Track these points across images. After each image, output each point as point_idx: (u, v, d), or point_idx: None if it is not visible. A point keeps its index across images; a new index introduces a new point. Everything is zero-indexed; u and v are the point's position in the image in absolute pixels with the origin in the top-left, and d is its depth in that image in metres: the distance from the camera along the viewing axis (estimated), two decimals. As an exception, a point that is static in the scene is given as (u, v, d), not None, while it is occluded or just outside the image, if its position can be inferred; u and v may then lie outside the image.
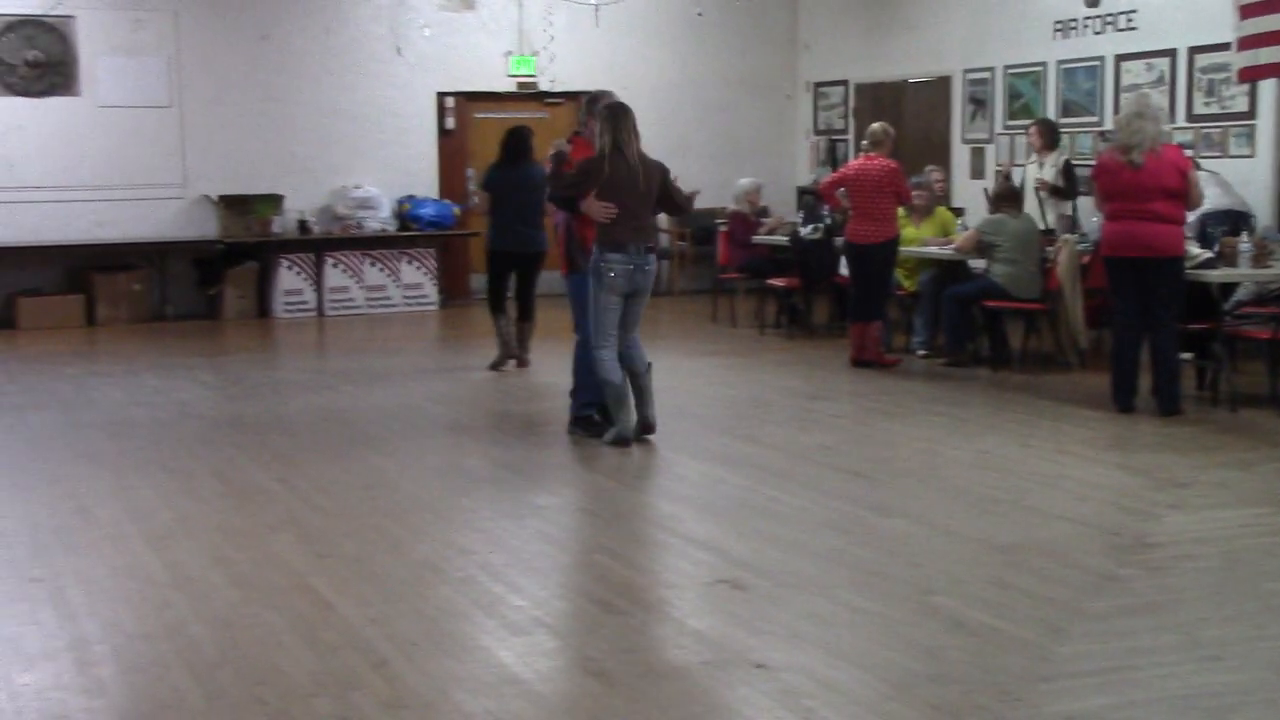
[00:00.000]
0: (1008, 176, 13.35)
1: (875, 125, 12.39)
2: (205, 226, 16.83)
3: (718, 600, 6.00)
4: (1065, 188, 13.22)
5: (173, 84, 16.69)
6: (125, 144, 16.54)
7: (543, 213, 11.87)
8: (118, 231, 16.56)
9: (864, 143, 12.38)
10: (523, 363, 12.51)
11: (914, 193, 13.04)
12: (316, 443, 9.53)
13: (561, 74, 18.08)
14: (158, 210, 16.72)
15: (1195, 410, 10.18)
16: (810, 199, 14.93)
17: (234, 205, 16.73)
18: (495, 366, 12.47)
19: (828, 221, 13.85)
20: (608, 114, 8.91)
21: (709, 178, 18.82)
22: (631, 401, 9.10)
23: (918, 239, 13.14)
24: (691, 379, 11.96)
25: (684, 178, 18.97)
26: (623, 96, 18.76)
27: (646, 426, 9.17)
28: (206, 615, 5.89)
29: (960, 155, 16.50)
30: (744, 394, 11.27)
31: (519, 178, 12.09)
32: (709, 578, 6.33)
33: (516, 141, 12.28)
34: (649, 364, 9.23)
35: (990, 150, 16.02)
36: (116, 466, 8.81)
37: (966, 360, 12.23)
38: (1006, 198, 12.17)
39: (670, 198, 9.12)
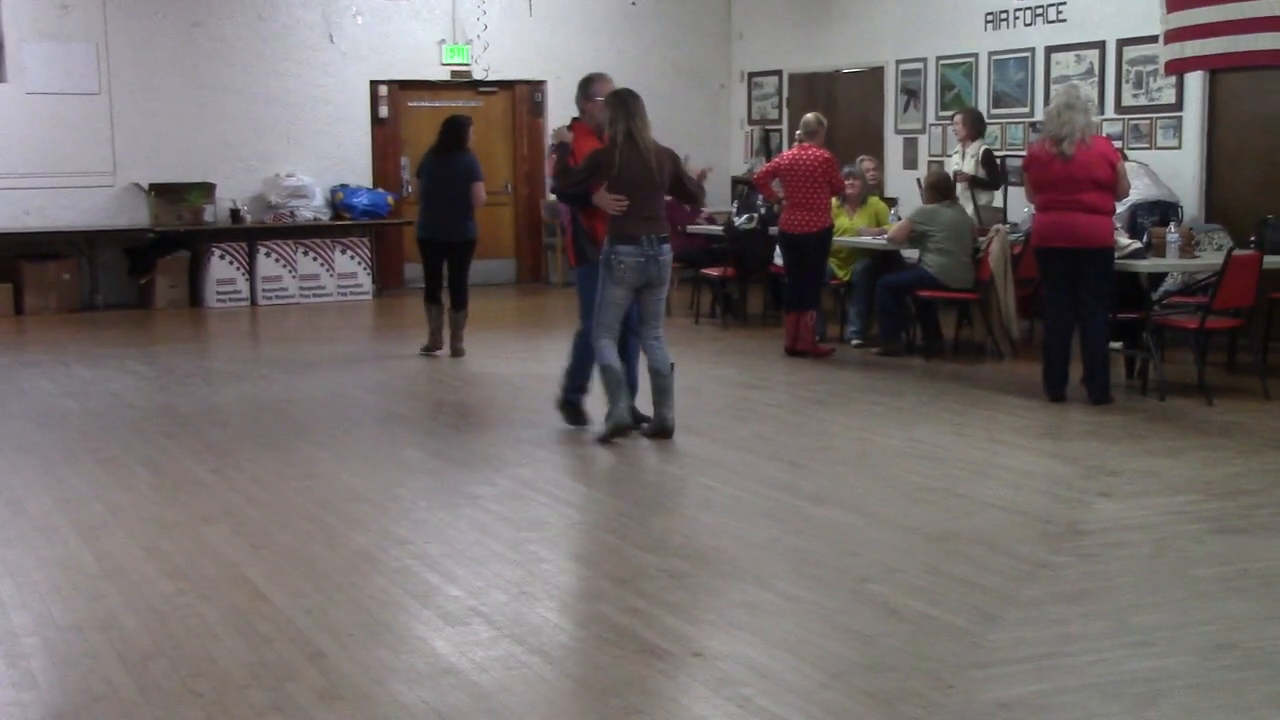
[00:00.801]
0: (941, 166, 13.45)
1: (809, 115, 12.43)
2: (136, 215, 16.67)
3: (654, 589, 6.01)
4: (986, 178, 13.30)
5: (101, 70, 16.51)
6: (53, 131, 16.35)
7: (471, 202, 12.13)
8: (46, 220, 16.39)
9: (798, 133, 12.42)
10: (457, 352, 12.51)
11: (847, 182, 13.10)
12: (250, 433, 9.47)
13: (495, 63, 18.03)
14: (87, 198, 16.55)
15: (1125, 399, 10.28)
16: (745, 189, 14.95)
17: (165, 193, 16.58)
18: (426, 352, 12.55)
19: (762, 211, 13.88)
20: (618, 101, 8.74)
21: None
22: (625, 389, 8.92)
23: (851, 229, 13.20)
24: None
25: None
26: (556, 87, 18.80)
27: (665, 429, 8.92)
28: (139, 607, 5.85)
29: (893, 145, 16.59)
30: (679, 384, 11.24)
31: (449, 167, 12.19)
32: (645, 566, 6.34)
33: (450, 131, 12.30)
34: (672, 364, 8.99)
35: (923, 140, 16.11)
36: (47, 457, 8.71)
37: (900, 350, 12.32)
38: (939, 188, 12.24)
39: (682, 185, 8.96)
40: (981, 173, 13.29)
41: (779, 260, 13.24)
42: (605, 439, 8.84)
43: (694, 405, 10.28)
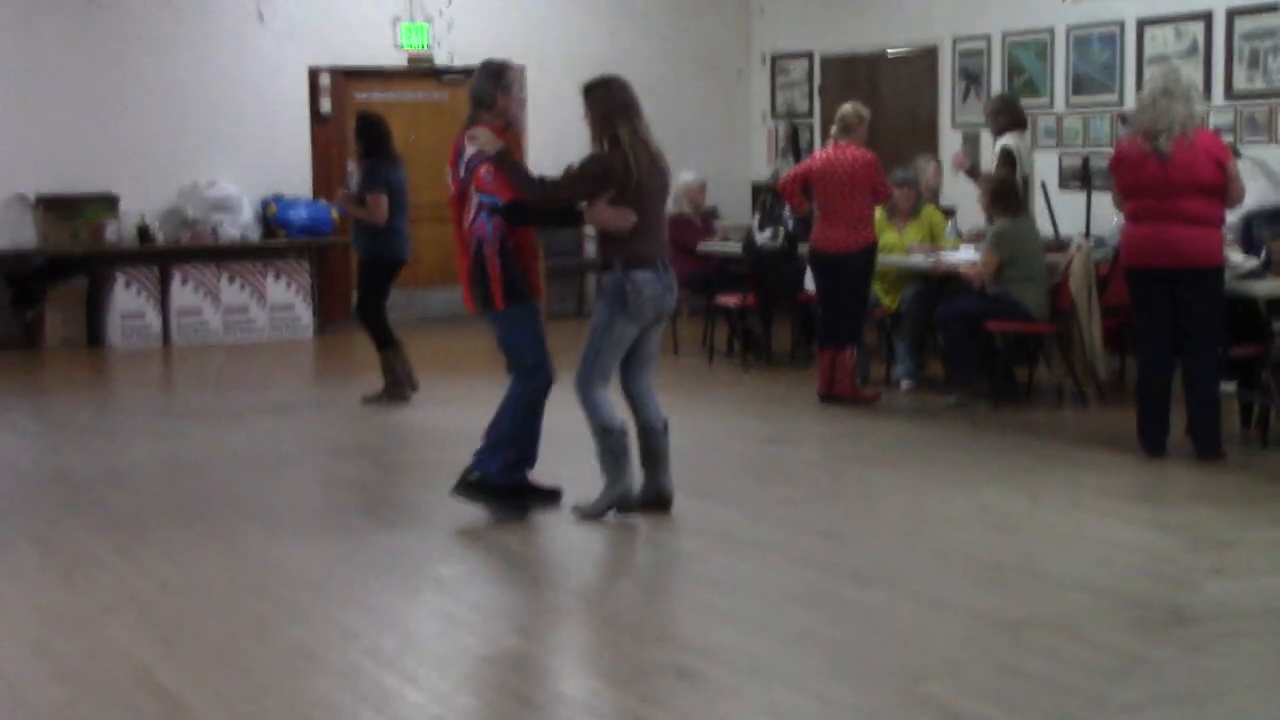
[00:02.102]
0: (1004, 167, 13.44)
1: (846, 107, 12.46)
2: (20, 234, 16.69)
3: (660, 692, 5.99)
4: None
5: (-20, 58, 16.60)
6: (-81, 132, 16.44)
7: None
8: (-89, 241, 16.45)
9: (833, 129, 12.45)
10: (405, 395, 12.65)
11: (895, 190, 13.12)
12: (163, 502, 9.46)
13: (462, 46, 18.08)
14: (-40, 214, 16.61)
15: (1240, 454, 10.27)
16: (768, 198, 14.97)
17: (56, 208, 16.61)
18: (394, 397, 12.68)
19: (789, 226, 13.90)
20: (615, 91, 8.66)
21: (644, 172, 18.85)
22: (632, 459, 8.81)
23: (900, 246, 13.21)
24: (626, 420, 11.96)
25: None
26: (538, 74, 18.88)
27: (664, 498, 8.81)
28: (23, 719, 5.83)
29: (950, 142, 16.61)
30: (690, 438, 11.26)
31: (401, 174, 12.60)
32: (649, 664, 6.33)
33: (386, 130, 12.70)
34: (665, 420, 8.88)
35: (986, 136, 16.11)
36: (-88, 534, 8.72)
37: (978, 396, 12.12)
38: (1006, 196, 12.22)
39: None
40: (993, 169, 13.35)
41: (810, 286, 13.26)
42: (595, 515, 8.70)
43: (708, 464, 10.26)
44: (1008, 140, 13.32)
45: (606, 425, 8.63)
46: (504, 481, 8.77)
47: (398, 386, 12.70)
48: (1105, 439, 10.76)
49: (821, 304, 12.50)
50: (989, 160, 13.79)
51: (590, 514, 8.68)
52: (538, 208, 8.66)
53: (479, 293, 8.64)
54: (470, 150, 8.59)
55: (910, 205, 13.49)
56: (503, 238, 8.60)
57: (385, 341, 12.71)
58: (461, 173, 8.62)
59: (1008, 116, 13.52)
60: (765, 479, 9.84)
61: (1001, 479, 9.66)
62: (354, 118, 13.31)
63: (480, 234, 8.57)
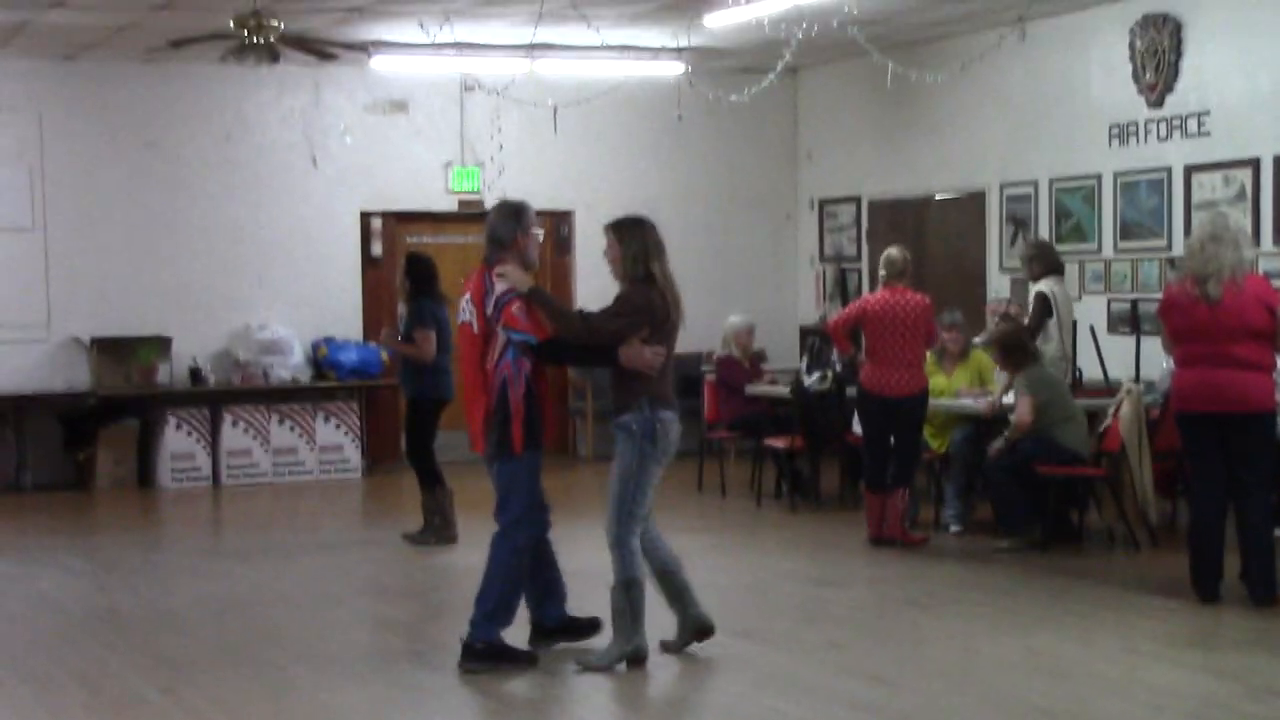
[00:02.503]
0: (1007, 317, 13.48)
1: (893, 251, 12.50)
2: (74, 375, 16.82)
3: (708, 838, 5.92)
4: (1030, 323, 13.35)
5: (35, 201, 16.77)
6: (-23, 274, 16.60)
7: None
8: (-34, 382, 16.57)
9: (882, 273, 12.49)
10: (453, 536, 12.65)
11: (946, 335, 13.14)
12: (210, 642, 9.44)
13: (513, 189, 18.17)
14: (15, 355, 16.72)
15: (1293, 598, 10.18)
16: (816, 340, 15.00)
17: (110, 350, 16.74)
18: (442, 539, 12.68)
19: (837, 369, 13.90)
20: (649, 229, 8.59)
21: (692, 314, 18.80)
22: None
23: (949, 389, 13.20)
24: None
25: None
26: (586, 218, 19.00)
27: (705, 626, 8.77)
28: None
29: (998, 286, 16.62)
30: (737, 579, 11.23)
31: (446, 313, 12.64)
32: (697, 809, 6.26)
33: (434, 269, 13.05)
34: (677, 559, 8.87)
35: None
36: (-41, 673, 8.71)
37: (1029, 541, 12.02)
38: (1016, 349, 12.23)
39: None
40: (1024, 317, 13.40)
41: (857, 428, 13.23)
42: (604, 668, 8.47)
43: (756, 607, 10.22)
44: (1044, 285, 13.39)
45: (634, 577, 8.48)
46: (493, 643, 8.58)
47: (447, 528, 12.69)
48: (1158, 584, 10.66)
49: (872, 446, 12.45)
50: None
51: (597, 666, 8.50)
52: (578, 344, 8.56)
53: (497, 436, 8.48)
54: (501, 287, 8.43)
55: (959, 349, 13.50)
56: (529, 380, 8.48)
57: (433, 481, 12.72)
58: (489, 310, 8.45)
59: (1042, 263, 13.61)
60: (813, 621, 9.78)
61: (1052, 623, 9.58)
62: (405, 258, 13.44)
63: (505, 374, 8.44)
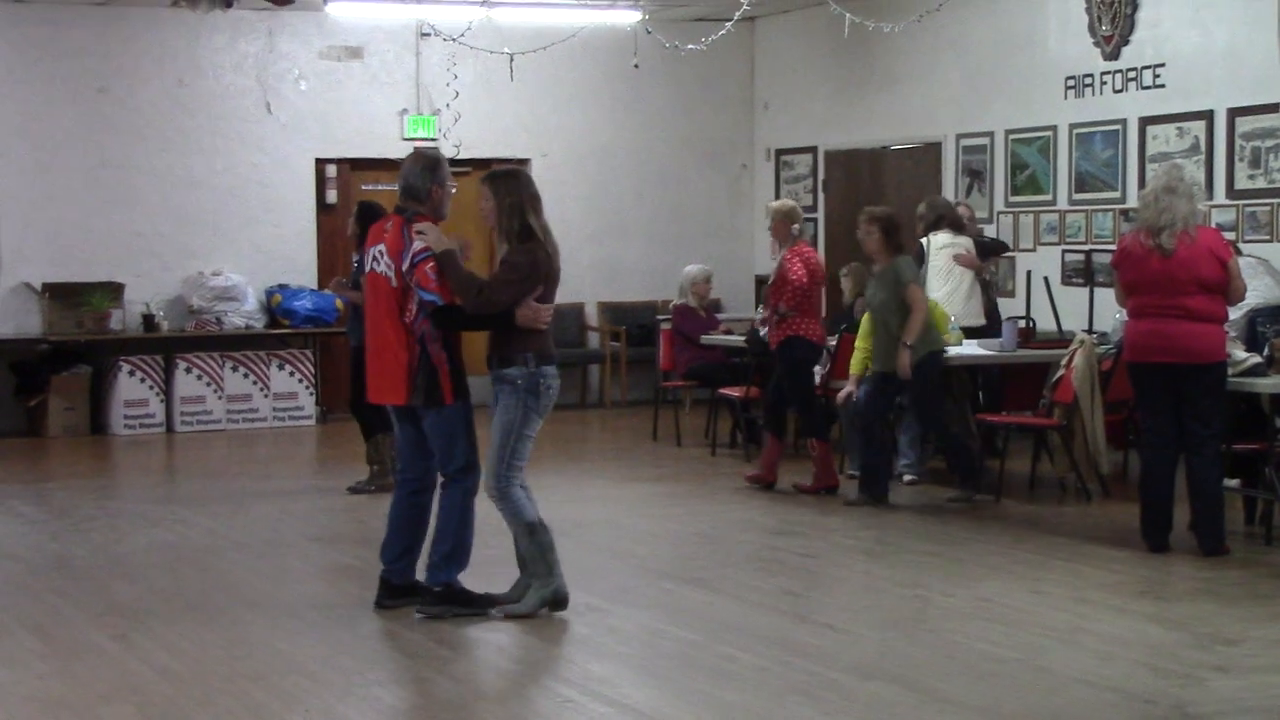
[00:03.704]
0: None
1: (788, 202, 12.98)
2: (25, 322, 16.74)
3: (661, 784, 5.95)
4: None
5: (-12, 147, 16.69)
6: (-72, 220, 16.51)
7: None
8: (-84, 328, 16.49)
9: (795, 228, 12.59)
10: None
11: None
12: (163, 590, 9.44)
13: (469, 137, 18.16)
14: (-34, 302, 16.67)
15: (1244, 550, 10.24)
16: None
17: (61, 296, 16.66)
18: (381, 488, 12.51)
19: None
20: (525, 181, 8.55)
21: (649, 264, 18.93)
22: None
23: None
24: (627, 511, 11.95)
25: (621, 263, 19.21)
26: (542, 167, 18.93)
27: (560, 597, 8.62)
28: (23, 806, 5.80)
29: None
30: (691, 528, 11.26)
31: None
32: (650, 756, 6.29)
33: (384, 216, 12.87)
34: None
35: (990, 231, 16.15)
36: (-89, 620, 8.69)
37: (974, 493, 12.15)
38: (894, 229, 12.24)
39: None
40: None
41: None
42: (527, 614, 8.48)
43: (709, 555, 10.25)
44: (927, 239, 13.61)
45: (532, 521, 8.50)
46: (450, 584, 8.62)
47: (384, 475, 12.61)
48: (1108, 534, 10.73)
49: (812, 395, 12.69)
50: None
51: (520, 614, 8.51)
52: (474, 313, 8.45)
53: (425, 389, 8.44)
54: (418, 245, 8.38)
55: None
56: (438, 337, 8.47)
57: (376, 427, 12.63)
58: (405, 265, 8.40)
59: (927, 220, 13.74)
60: (767, 570, 9.81)
61: (1003, 573, 9.64)
62: (357, 205, 13.34)
63: (425, 329, 8.42)
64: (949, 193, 16.75)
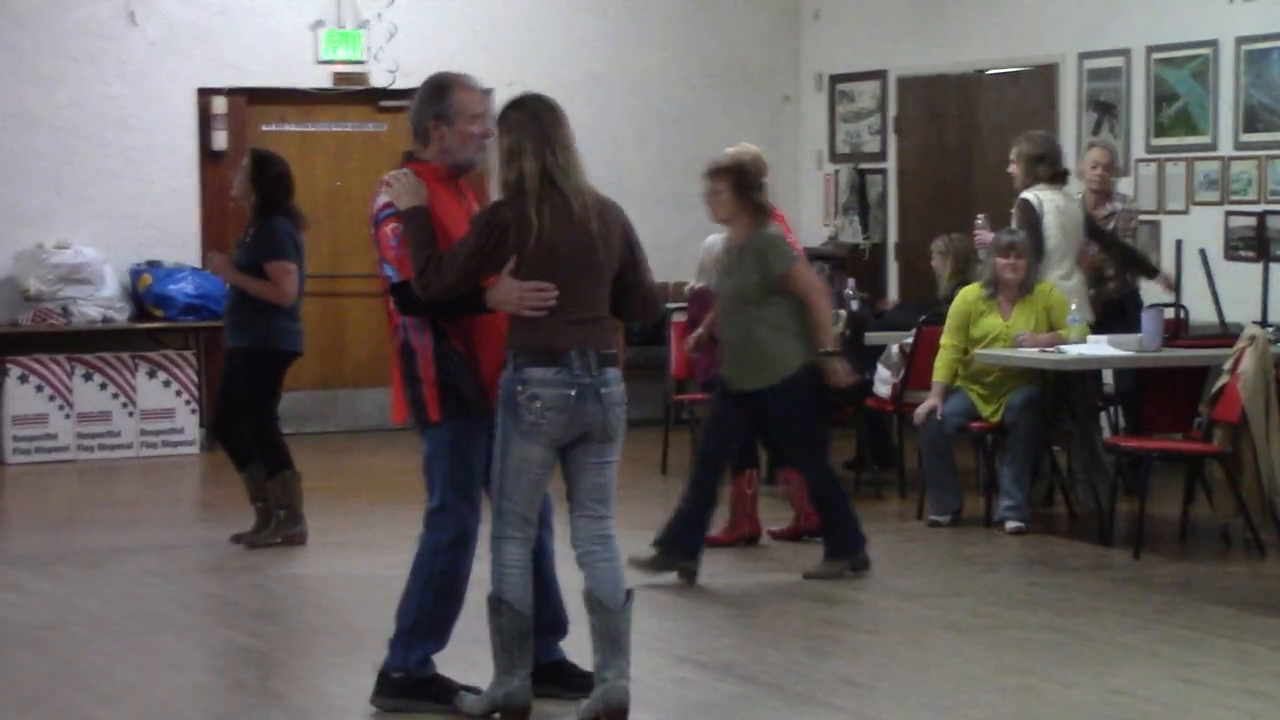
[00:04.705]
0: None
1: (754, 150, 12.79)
2: None
3: None
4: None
5: None
6: None
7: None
8: None
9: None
10: (304, 534, 12.86)
11: (1004, 261, 13.14)
12: (-12, 680, 9.46)
13: (407, 60, 18.17)
14: None
15: None
16: (826, 268, 15.04)
17: None
18: (291, 537, 12.76)
19: (854, 307, 13.92)
20: (530, 114, 8.29)
21: (656, 234, 18.75)
22: (529, 644, 8.45)
23: (1006, 336, 13.20)
24: (630, 572, 11.93)
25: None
26: (509, 97, 18.91)
27: (613, 708, 8.32)
28: None
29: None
30: (715, 598, 11.26)
31: (300, 238, 12.86)
32: None
33: (288, 174, 13.02)
34: (629, 591, 8.48)
35: (1125, 185, 16.15)
36: None
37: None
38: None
39: (636, 273, 8.58)
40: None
41: (882, 389, 13.33)
42: (476, 714, 8.42)
43: (741, 632, 10.27)
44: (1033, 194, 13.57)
45: (496, 593, 8.35)
46: (416, 674, 8.63)
47: (294, 523, 12.67)
48: (1287, 601, 10.78)
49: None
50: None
51: (469, 713, 8.48)
52: (430, 294, 8.30)
53: (409, 398, 8.49)
54: (382, 198, 8.39)
55: (1020, 279, 13.45)
56: (439, 326, 8.45)
57: (279, 464, 12.69)
58: (371, 229, 8.44)
59: (1034, 169, 13.71)
60: (819, 652, 9.82)
61: (1145, 655, 9.65)
62: (249, 157, 13.32)
63: (408, 321, 8.45)
64: (1069, 133, 16.76)
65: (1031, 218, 13.42)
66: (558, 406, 8.16)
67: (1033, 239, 13.27)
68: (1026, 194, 13.57)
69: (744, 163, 11.50)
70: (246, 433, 12.88)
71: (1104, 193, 14.26)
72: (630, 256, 8.51)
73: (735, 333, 11.54)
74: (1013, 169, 13.85)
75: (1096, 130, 16.53)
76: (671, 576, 11.25)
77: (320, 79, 18.28)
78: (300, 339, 12.81)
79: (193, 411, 17.28)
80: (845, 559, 11.59)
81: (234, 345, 12.81)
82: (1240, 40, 15.38)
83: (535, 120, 8.25)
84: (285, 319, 12.65)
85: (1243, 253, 15.06)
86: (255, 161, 12.87)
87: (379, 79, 18.32)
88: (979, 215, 14.52)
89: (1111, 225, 14.20)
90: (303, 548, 12.64)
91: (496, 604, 8.30)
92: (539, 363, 8.16)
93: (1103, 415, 14.11)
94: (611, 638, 8.28)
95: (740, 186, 11.37)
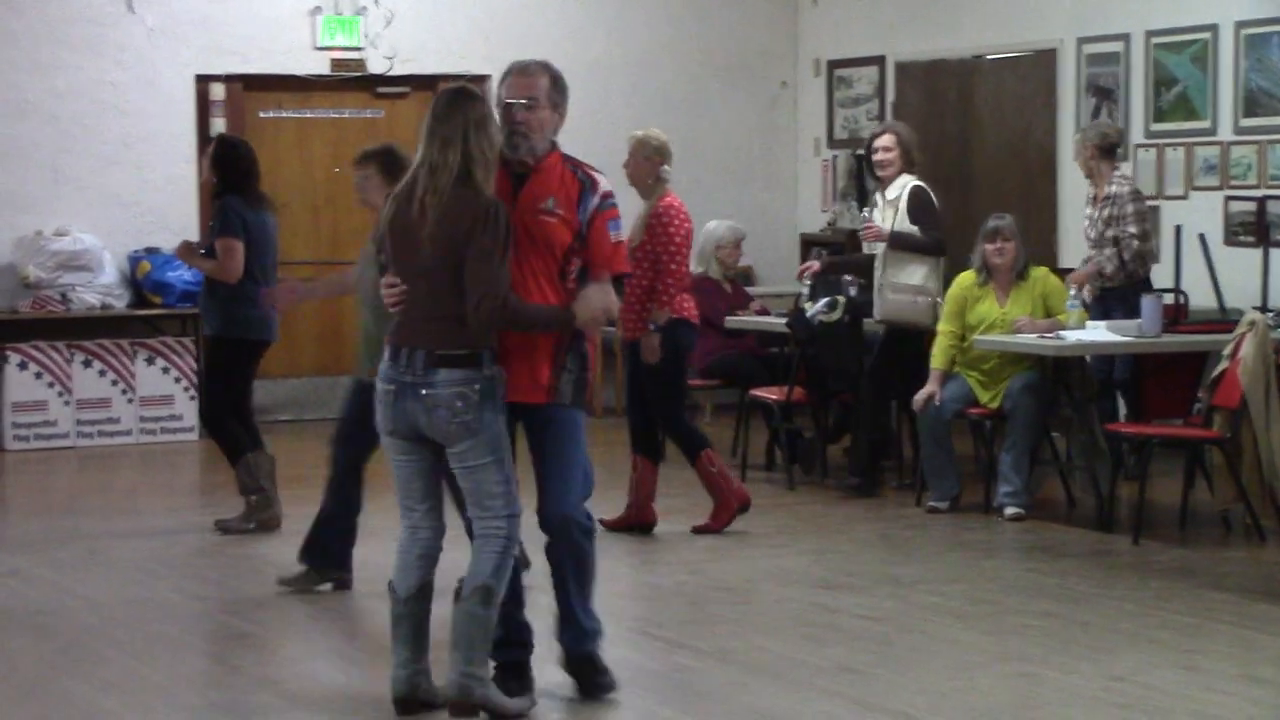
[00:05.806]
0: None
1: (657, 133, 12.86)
2: None
3: None
4: (917, 235, 13.48)
5: None
6: None
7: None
8: None
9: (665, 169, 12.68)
10: (278, 518, 12.89)
11: (991, 247, 13.14)
12: (-12, 667, 9.46)
13: (404, 47, 18.16)
14: None
15: None
16: (823, 254, 15.03)
17: None
18: (260, 525, 12.79)
19: (851, 293, 13.91)
20: (441, 105, 8.48)
21: (654, 219, 18.89)
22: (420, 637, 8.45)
23: (1004, 321, 13.19)
24: (627, 560, 11.93)
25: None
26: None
27: (460, 699, 8.22)
28: None
29: (1071, 178, 16.60)
30: (713, 580, 11.26)
31: (268, 221, 12.94)
32: None
33: (251, 159, 13.01)
34: (482, 588, 8.25)
35: (1126, 169, 16.13)
36: None
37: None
38: None
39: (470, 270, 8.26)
40: (906, 225, 13.45)
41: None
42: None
43: (739, 619, 10.26)
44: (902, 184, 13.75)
45: (390, 581, 8.42)
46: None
47: (268, 506, 12.67)
48: (1287, 586, 10.78)
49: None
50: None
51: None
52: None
53: (573, 382, 8.51)
54: (604, 185, 8.60)
55: (1011, 265, 13.43)
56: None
57: (248, 445, 12.69)
58: (582, 217, 8.47)
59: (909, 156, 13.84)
60: (817, 639, 9.81)
61: (1144, 642, 9.65)
62: (215, 142, 13.32)
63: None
64: (1068, 119, 16.75)
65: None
66: (380, 400, 8.39)
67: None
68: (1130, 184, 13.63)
69: (390, 148, 11.22)
70: (205, 419, 12.94)
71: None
72: (475, 256, 8.21)
73: (371, 325, 11.04)
74: (1085, 159, 13.88)
75: (1096, 115, 16.49)
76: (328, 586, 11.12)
77: (318, 65, 18.26)
78: (267, 326, 12.79)
79: (191, 398, 17.26)
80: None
81: (206, 333, 12.89)
82: (1240, 25, 15.36)
83: (429, 114, 8.45)
84: (246, 306, 12.60)
85: (1242, 238, 15.04)
86: (216, 144, 12.91)
87: (376, 65, 18.29)
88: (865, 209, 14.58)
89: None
90: (277, 531, 12.63)
91: (389, 588, 8.40)
92: (387, 357, 8.39)
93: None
94: (463, 626, 8.26)
95: (389, 169, 10.79)
